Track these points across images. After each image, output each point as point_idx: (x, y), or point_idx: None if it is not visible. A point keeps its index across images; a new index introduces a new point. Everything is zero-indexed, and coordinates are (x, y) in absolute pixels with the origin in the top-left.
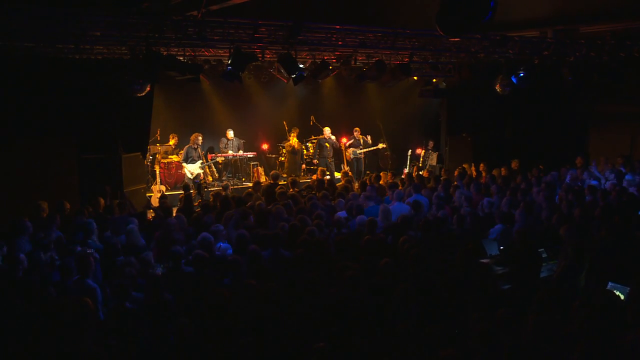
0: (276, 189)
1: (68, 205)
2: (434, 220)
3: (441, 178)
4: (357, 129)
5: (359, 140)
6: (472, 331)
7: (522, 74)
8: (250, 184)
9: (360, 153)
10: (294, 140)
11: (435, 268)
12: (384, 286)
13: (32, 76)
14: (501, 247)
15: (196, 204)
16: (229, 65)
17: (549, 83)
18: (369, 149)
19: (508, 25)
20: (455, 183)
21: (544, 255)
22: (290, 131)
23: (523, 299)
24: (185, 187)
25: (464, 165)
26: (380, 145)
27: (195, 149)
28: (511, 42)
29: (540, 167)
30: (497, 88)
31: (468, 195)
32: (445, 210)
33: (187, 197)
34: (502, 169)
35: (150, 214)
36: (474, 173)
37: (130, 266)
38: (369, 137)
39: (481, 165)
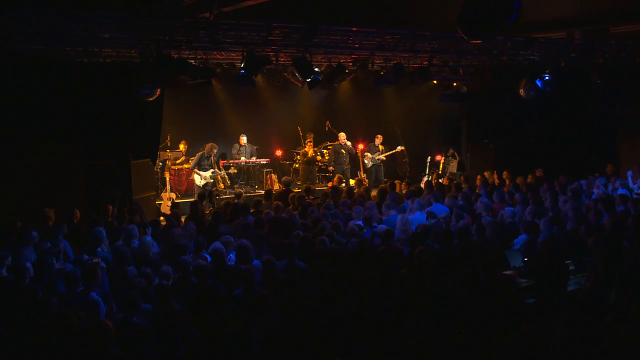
0: (290, 195)
1: (78, 213)
2: (454, 230)
3: (462, 186)
4: (380, 136)
5: (378, 147)
6: (496, 347)
7: (547, 77)
8: (264, 192)
9: (377, 159)
10: (310, 150)
11: (456, 280)
12: (402, 298)
13: (39, 80)
14: (525, 259)
15: (207, 212)
16: (241, 68)
17: (577, 87)
18: (387, 153)
19: (533, 26)
20: (478, 191)
21: (571, 268)
22: (305, 137)
23: (549, 314)
24: (201, 196)
25: (485, 173)
26: (399, 148)
27: (208, 158)
28: (536, 43)
29: (562, 177)
30: (521, 92)
31: (489, 204)
32: (466, 219)
33: (193, 205)
34: (529, 176)
35: (162, 222)
36: (497, 181)
37: (142, 277)
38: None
39: (505, 172)
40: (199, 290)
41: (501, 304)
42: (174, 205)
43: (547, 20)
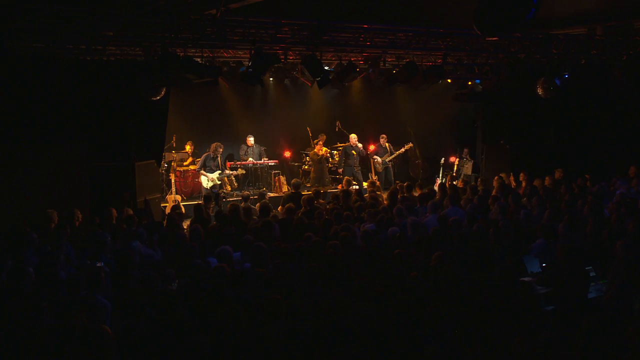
0: (302, 198)
1: (79, 215)
2: (469, 235)
3: (479, 188)
4: (384, 135)
5: (385, 148)
6: (513, 356)
7: (566, 76)
8: (273, 194)
9: (389, 162)
10: (323, 149)
11: (471, 286)
12: (415, 305)
13: (40, 78)
14: (544, 264)
15: (213, 214)
16: (249, 67)
17: (598, 85)
18: (397, 153)
19: (552, 23)
20: (494, 194)
21: (592, 274)
22: (316, 138)
23: (569, 322)
24: (207, 198)
25: (501, 175)
26: (407, 146)
27: (214, 159)
28: (555, 40)
29: (587, 176)
30: (539, 91)
31: (505, 207)
32: (480, 223)
33: (197, 208)
34: (546, 178)
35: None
36: (513, 183)
37: (148, 282)
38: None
39: (521, 174)
40: (207, 294)
41: (519, 311)
42: (175, 208)
43: (567, 16)
